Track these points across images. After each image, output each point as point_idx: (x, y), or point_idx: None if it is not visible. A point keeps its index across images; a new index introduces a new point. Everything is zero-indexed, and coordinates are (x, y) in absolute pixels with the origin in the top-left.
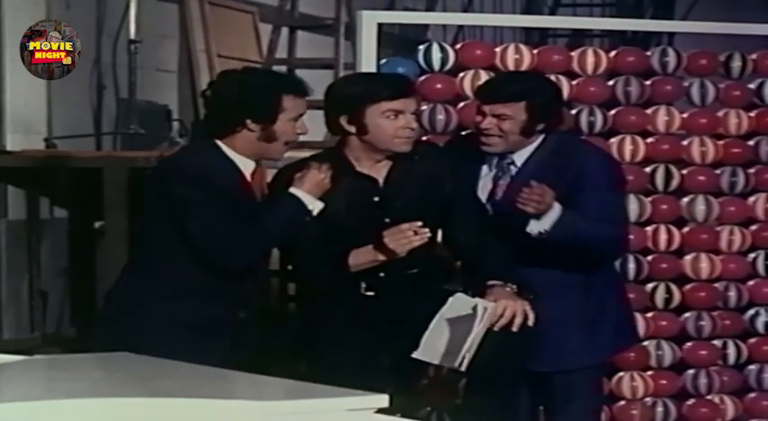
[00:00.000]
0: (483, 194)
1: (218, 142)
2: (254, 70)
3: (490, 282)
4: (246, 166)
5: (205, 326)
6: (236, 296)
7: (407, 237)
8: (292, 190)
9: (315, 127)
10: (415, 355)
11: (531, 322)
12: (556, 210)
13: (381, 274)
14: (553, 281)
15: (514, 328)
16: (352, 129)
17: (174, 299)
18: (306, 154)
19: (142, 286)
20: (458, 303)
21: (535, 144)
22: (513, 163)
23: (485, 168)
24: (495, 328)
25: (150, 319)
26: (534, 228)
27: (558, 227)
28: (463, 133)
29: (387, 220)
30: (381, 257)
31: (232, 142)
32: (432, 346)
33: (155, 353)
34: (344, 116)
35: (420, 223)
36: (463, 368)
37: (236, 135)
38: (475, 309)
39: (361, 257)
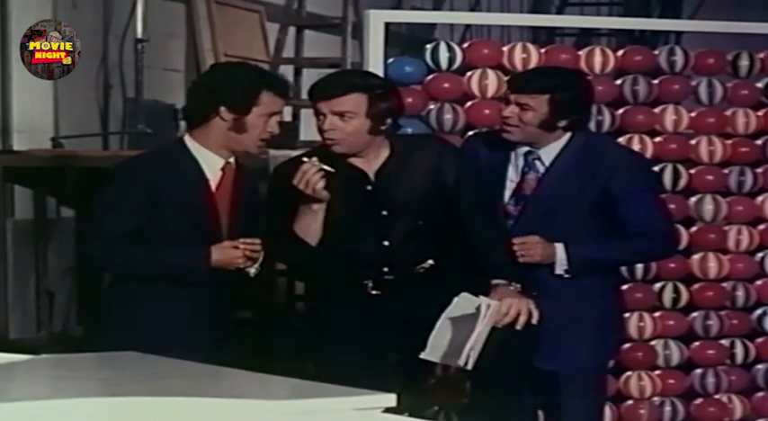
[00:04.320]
0: (508, 189)
1: (187, 138)
2: (240, 63)
3: (494, 281)
4: (212, 165)
5: (181, 325)
6: (212, 296)
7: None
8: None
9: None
10: (422, 356)
11: (535, 320)
12: (559, 253)
13: (386, 272)
14: (568, 279)
15: (518, 327)
16: None
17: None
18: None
19: (117, 285)
20: (463, 302)
21: (562, 141)
22: (539, 158)
23: (510, 164)
24: (499, 326)
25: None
26: (557, 271)
27: (575, 265)
28: (484, 129)
29: (384, 213)
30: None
31: (203, 134)
32: (438, 346)
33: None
34: None
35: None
36: (469, 366)
37: (208, 125)
38: (478, 307)
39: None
